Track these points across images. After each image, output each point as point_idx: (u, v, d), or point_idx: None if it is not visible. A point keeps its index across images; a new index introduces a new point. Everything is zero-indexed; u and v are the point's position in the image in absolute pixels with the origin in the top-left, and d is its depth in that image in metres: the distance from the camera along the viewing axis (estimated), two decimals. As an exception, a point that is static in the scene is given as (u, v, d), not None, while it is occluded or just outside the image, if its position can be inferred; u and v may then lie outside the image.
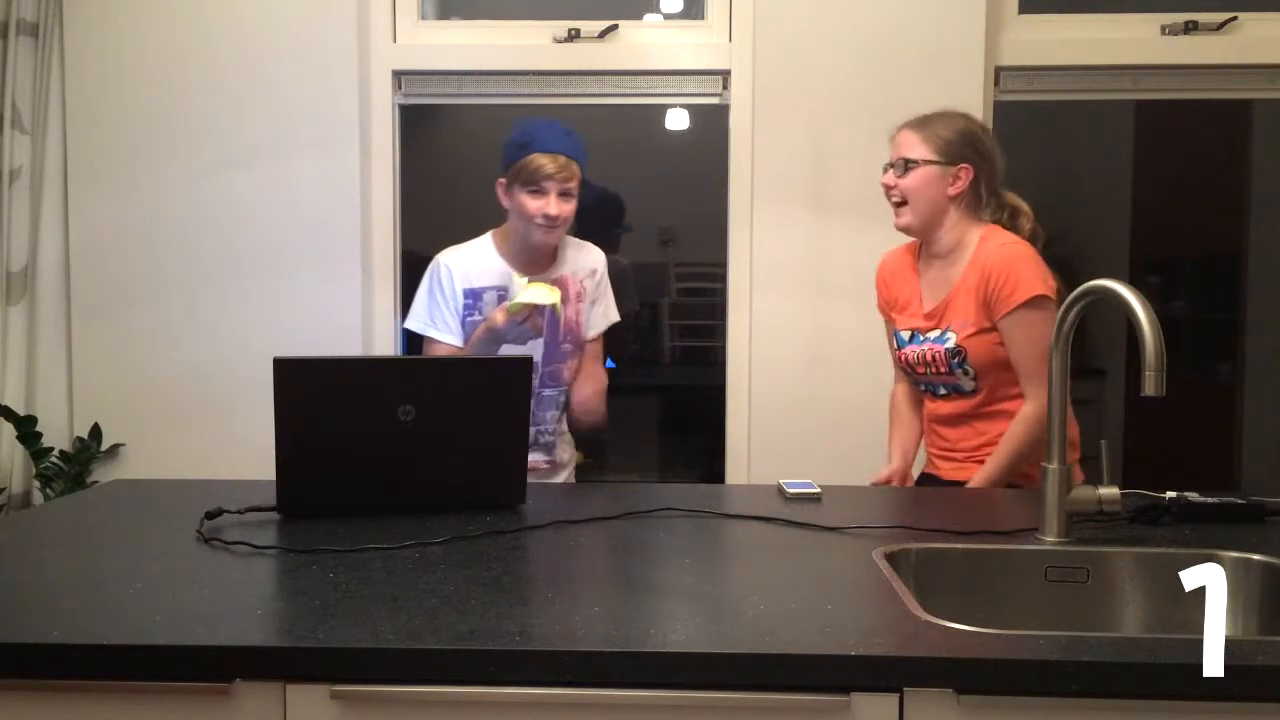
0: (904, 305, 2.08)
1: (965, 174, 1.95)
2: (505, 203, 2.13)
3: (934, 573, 1.39)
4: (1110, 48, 2.73)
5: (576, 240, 2.25)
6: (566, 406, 2.26)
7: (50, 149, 2.74)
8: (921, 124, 1.98)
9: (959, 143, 1.95)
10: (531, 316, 2.01)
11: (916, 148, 1.96)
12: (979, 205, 2.00)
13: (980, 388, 1.96)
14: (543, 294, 1.97)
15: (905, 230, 2.01)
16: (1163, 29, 2.72)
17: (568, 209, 2.09)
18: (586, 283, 2.22)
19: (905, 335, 2.07)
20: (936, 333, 1.99)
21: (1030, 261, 1.90)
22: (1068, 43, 2.74)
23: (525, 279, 2.05)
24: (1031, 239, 2.00)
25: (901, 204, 1.98)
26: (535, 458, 2.18)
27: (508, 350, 2.11)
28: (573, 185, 2.08)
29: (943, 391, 2.01)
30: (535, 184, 2.05)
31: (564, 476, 2.30)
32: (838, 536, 1.45)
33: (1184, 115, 4.47)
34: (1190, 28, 2.70)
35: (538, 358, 2.13)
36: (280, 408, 1.50)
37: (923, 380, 2.04)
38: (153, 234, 2.76)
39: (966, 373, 1.95)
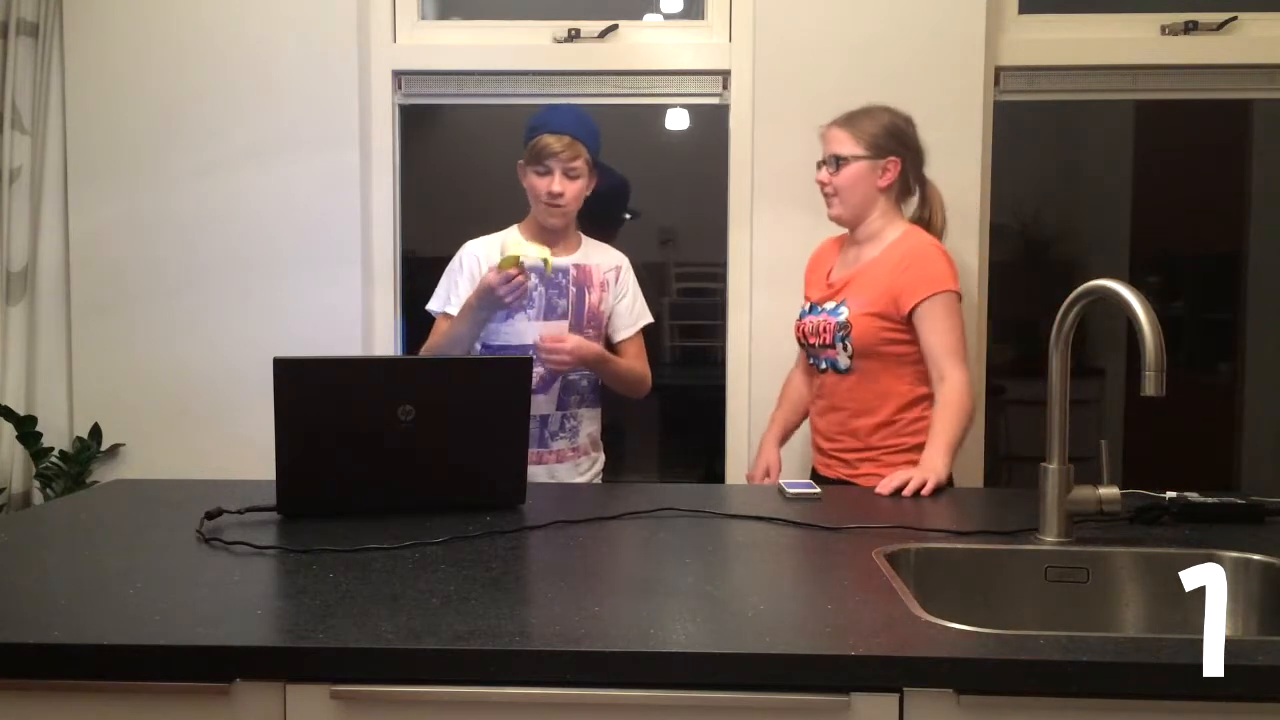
0: (815, 281, 2.20)
1: (894, 166, 2.07)
2: (524, 184, 2.18)
3: (934, 573, 1.39)
4: (1110, 48, 2.73)
5: (596, 242, 2.28)
6: (592, 391, 2.25)
7: (50, 149, 2.74)
8: (849, 121, 2.09)
9: (886, 137, 2.07)
10: (521, 273, 2.01)
11: (846, 144, 2.07)
12: (906, 194, 2.13)
13: (854, 369, 2.04)
14: (533, 249, 2.00)
15: (836, 220, 2.13)
16: (1163, 29, 2.72)
17: (573, 188, 2.13)
18: (609, 276, 2.26)
19: (806, 307, 2.17)
20: (832, 304, 2.08)
21: (944, 259, 2.02)
22: (1068, 43, 2.74)
23: (516, 240, 2.09)
24: (940, 234, 2.13)
25: (833, 196, 2.09)
26: (558, 445, 2.19)
27: (505, 337, 2.11)
28: (578, 165, 2.12)
29: (823, 366, 2.11)
30: (541, 163, 2.10)
31: (592, 473, 2.27)
32: (838, 536, 1.45)
33: (1184, 115, 4.47)
34: (1190, 28, 2.70)
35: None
36: (280, 408, 1.50)
37: (811, 353, 2.14)
38: (153, 234, 2.75)
39: (845, 349, 2.03)
